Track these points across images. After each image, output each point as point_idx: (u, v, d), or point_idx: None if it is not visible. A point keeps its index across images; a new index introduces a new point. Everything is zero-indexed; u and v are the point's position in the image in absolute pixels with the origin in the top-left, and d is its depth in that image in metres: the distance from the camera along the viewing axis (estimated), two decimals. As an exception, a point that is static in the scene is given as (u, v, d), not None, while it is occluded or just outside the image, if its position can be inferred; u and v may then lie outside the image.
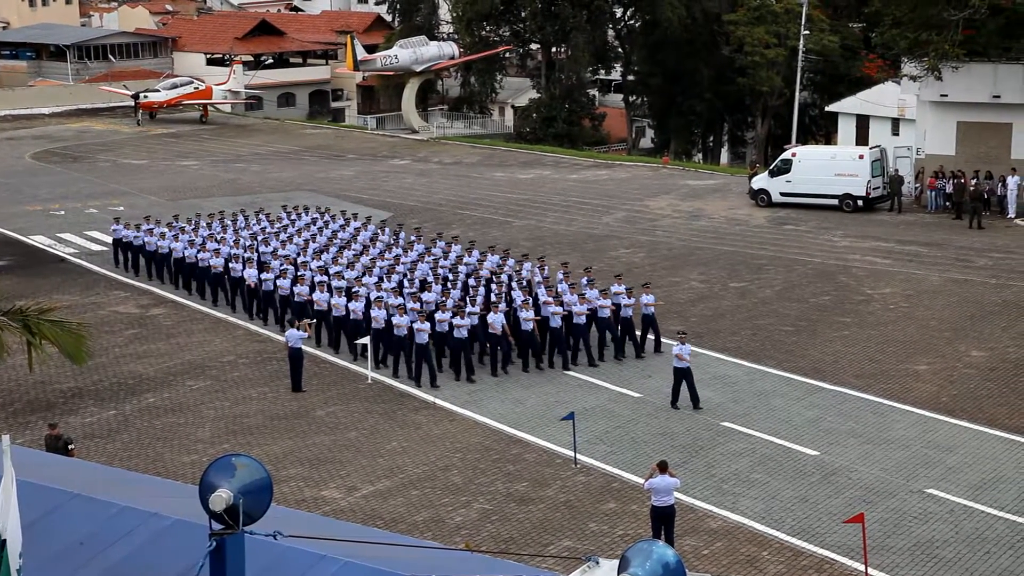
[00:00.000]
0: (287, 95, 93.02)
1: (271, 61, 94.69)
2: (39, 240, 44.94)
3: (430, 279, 32.24)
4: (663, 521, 19.93)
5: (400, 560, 8.02)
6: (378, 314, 29.34)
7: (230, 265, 35.28)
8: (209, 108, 79.72)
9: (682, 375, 26.56)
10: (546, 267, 32.90)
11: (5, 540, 6.56)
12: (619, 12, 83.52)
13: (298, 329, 28.99)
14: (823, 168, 47.75)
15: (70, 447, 22.53)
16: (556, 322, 29.35)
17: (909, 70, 48.36)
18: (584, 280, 30.97)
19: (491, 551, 19.02)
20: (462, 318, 28.71)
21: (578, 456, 24.06)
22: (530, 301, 29.93)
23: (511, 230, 45.46)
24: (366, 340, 29.34)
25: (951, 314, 33.83)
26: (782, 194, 48.17)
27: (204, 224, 39.52)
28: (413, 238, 36.96)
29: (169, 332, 33.64)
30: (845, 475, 23.23)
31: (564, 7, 77.53)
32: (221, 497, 6.65)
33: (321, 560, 7.65)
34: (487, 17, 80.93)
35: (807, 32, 63.87)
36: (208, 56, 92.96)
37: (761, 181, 49.23)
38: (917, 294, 35.95)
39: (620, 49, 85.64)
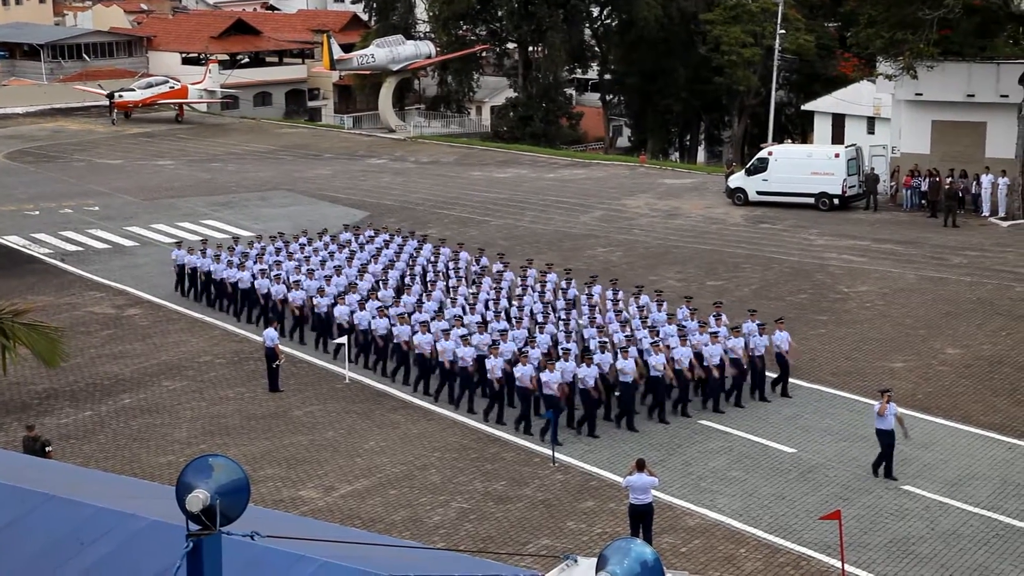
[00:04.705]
0: (263, 94, 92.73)
1: (247, 60, 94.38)
2: (13, 240, 44.65)
3: (538, 316, 28.49)
4: (641, 519, 19.96)
5: (379, 560, 8.01)
6: (495, 363, 25.65)
7: (315, 300, 31.07)
8: (185, 107, 79.41)
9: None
10: (664, 302, 29.65)
11: None
12: (595, 11, 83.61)
13: (278, 361, 28.43)
14: (799, 167, 47.91)
15: (47, 449, 22.41)
16: (684, 364, 26.11)
17: (884, 69, 48.61)
18: (712, 317, 27.93)
19: (470, 550, 19.02)
20: (589, 366, 25.12)
21: (556, 455, 24.08)
22: (660, 343, 26.25)
23: (488, 229, 45.45)
24: (343, 340, 29.24)
25: (926, 312, 34.01)
26: (759, 193, 48.32)
27: (272, 249, 35.69)
28: (499, 266, 33.22)
29: (145, 332, 33.49)
30: (822, 472, 23.31)
31: (540, 6, 77.54)
32: (198, 498, 6.62)
33: (299, 560, 7.63)
34: (463, 16, 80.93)
35: (783, 31, 64.12)
36: (183, 55, 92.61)
37: (738, 180, 49.38)
38: (893, 292, 36.12)
39: (597, 48, 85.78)
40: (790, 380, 27.54)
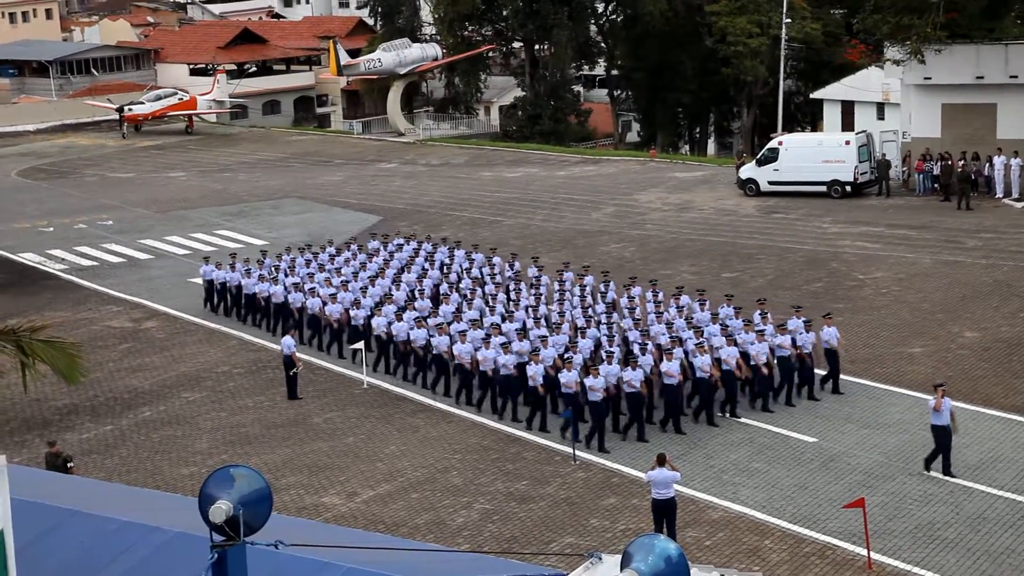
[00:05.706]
0: (272, 103, 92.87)
1: (254, 69, 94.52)
2: (28, 257, 44.81)
3: (579, 321, 28.02)
4: (664, 514, 19.93)
5: (403, 564, 8.02)
6: (536, 370, 25.22)
7: (352, 312, 30.55)
8: (194, 119, 79.55)
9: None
10: (707, 300, 28.87)
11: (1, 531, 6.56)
12: (600, 7, 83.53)
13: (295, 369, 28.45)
14: (810, 155, 47.81)
15: (69, 464, 22.49)
16: (731, 364, 25.49)
17: (892, 54, 48.43)
18: (757, 314, 27.42)
19: (494, 551, 19.02)
20: (633, 369, 24.69)
21: (577, 452, 24.06)
22: (704, 344, 25.52)
23: (500, 229, 45.45)
24: (360, 345, 29.26)
25: (943, 296, 33.89)
26: (770, 183, 48.21)
27: (302, 261, 34.84)
28: (534, 270, 32.39)
29: (163, 345, 33.58)
30: (844, 460, 23.25)
31: (545, 4, 77.49)
32: (221, 509, 6.64)
33: (324, 568, 7.64)
34: (469, 17, 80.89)
35: (789, 20, 63.96)
36: (191, 66, 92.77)
37: (749, 170, 49.27)
38: (909, 277, 36.01)
39: (603, 44, 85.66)
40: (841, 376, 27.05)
